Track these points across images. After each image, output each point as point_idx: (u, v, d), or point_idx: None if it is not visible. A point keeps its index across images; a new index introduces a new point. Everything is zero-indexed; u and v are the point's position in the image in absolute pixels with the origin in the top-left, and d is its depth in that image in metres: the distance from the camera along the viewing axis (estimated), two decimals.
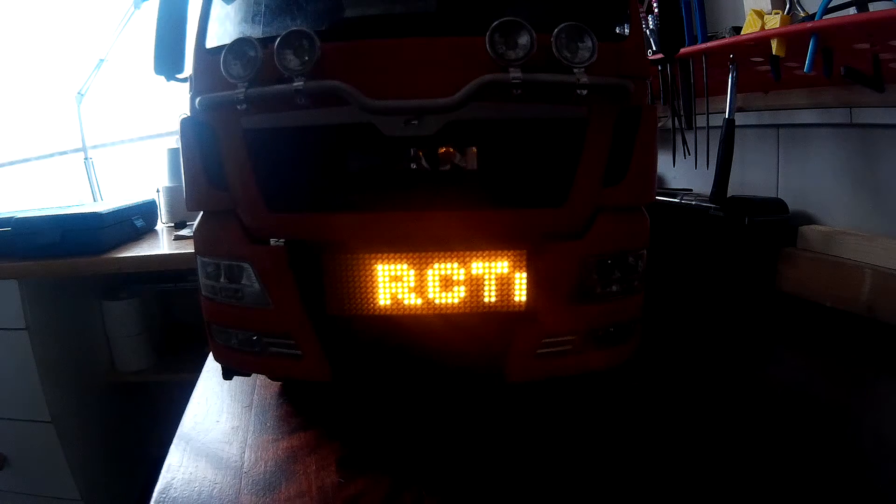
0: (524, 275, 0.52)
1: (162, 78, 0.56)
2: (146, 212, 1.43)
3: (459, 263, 0.52)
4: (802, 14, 0.74)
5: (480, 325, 0.54)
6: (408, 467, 0.51)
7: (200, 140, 0.52)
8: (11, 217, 1.18)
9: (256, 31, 0.53)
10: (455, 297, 0.53)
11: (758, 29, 0.74)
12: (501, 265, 0.52)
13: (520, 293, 0.53)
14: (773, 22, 0.73)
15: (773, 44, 0.71)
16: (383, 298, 0.53)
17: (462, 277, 0.53)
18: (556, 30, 0.45)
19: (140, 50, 1.50)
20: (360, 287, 0.53)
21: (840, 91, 0.79)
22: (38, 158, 1.76)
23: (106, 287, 1.40)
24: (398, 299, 0.53)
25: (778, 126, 0.93)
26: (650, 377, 0.68)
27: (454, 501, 0.47)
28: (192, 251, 0.55)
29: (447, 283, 0.53)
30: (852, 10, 0.66)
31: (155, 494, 0.49)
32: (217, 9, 0.54)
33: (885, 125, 0.75)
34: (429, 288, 0.53)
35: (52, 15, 1.67)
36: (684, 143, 0.95)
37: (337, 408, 0.62)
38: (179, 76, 0.56)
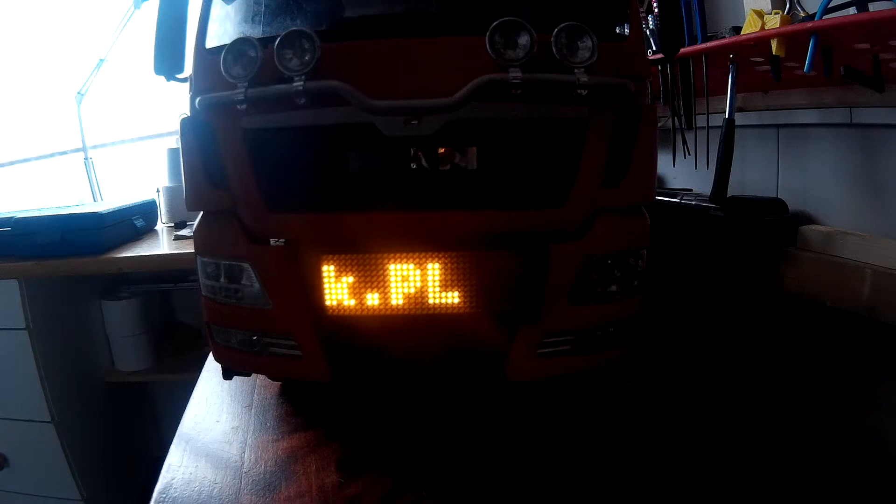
0: (524, 275, 0.52)
1: (162, 78, 0.56)
2: (146, 212, 1.43)
3: (459, 263, 0.52)
4: (802, 14, 0.74)
5: (481, 324, 0.54)
6: (408, 467, 0.51)
7: (200, 140, 0.52)
8: (11, 217, 1.18)
9: (256, 31, 0.53)
10: (455, 297, 0.53)
11: (758, 29, 0.74)
12: (502, 265, 0.52)
13: (520, 293, 0.53)
14: (773, 22, 0.73)
15: (773, 44, 0.71)
16: (383, 298, 0.53)
17: (462, 277, 0.53)
18: (556, 30, 0.45)
19: (140, 50, 1.49)
20: (360, 287, 0.53)
21: (840, 91, 0.78)
22: (38, 158, 1.76)
23: (106, 287, 1.40)
24: (398, 299, 0.53)
25: (778, 126, 0.93)
26: (650, 377, 0.68)
27: (454, 501, 0.47)
28: (192, 251, 0.55)
29: (447, 283, 0.53)
30: (852, 10, 0.66)
31: (155, 494, 0.49)
32: (217, 9, 0.54)
33: (885, 125, 0.75)
34: (429, 288, 0.53)
35: (52, 15, 1.67)
36: (684, 143, 0.95)
37: (337, 408, 0.62)
38: (179, 76, 0.56)
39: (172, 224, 1.47)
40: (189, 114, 0.53)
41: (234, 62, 0.47)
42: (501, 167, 0.51)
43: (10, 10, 1.65)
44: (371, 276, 0.53)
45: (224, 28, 0.53)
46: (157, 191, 1.52)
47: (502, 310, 0.53)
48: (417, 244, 0.52)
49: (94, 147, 1.73)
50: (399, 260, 0.52)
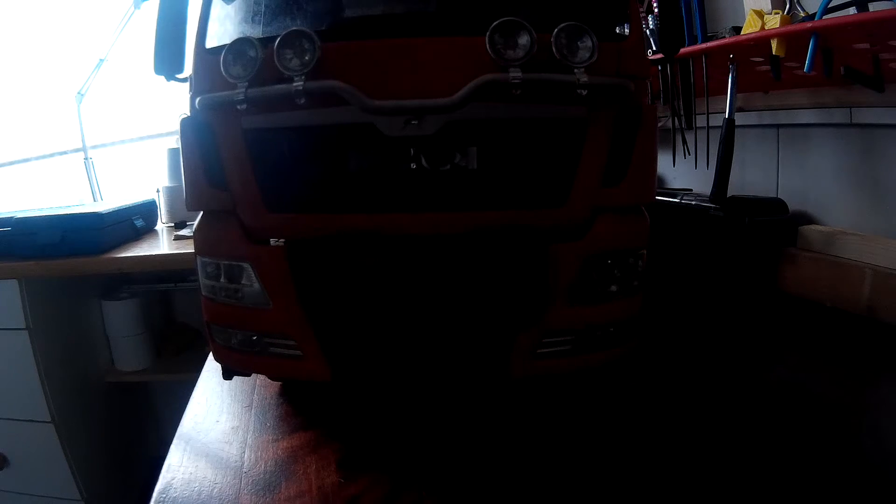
0: (525, 275, 0.52)
1: (162, 78, 0.56)
2: (146, 212, 1.43)
3: (459, 263, 0.52)
4: (802, 14, 0.74)
5: (482, 325, 0.54)
6: (408, 467, 0.51)
7: (200, 140, 0.52)
8: (11, 217, 1.18)
9: (256, 31, 0.53)
10: (455, 297, 0.53)
11: (758, 29, 0.74)
12: (501, 265, 0.52)
13: (520, 293, 0.53)
14: (773, 22, 0.73)
15: (773, 44, 0.71)
16: (383, 298, 0.53)
17: (462, 277, 0.52)
18: (556, 30, 0.45)
19: (140, 50, 1.50)
20: (361, 287, 0.53)
21: (840, 91, 0.79)
22: (38, 158, 1.76)
23: (106, 287, 1.40)
24: (399, 299, 0.53)
25: (778, 126, 0.93)
26: (650, 377, 0.68)
27: (454, 501, 0.47)
28: (192, 251, 0.55)
29: (447, 283, 0.53)
30: (852, 10, 0.66)
31: (155, 494, 0.49)
32: (217, 9, 0.53)
33: (885, 125, 0.75)
34: (429, 288, 0.53)
35: (52, 15, 1.67)
36: (684, 143, 0.95)
37: (337, 408, 0.62)
38: (179, 76, 0.56)
39: (172, 224, 1.47)
40: (189, 114, 0.53)
41: (234, 62, 0.47)
42: (502, 167, 0.50)
43: (10, 10, 1.65)
44: (371, 276, 0.53)
45: (224, 28, 0.53)
46: (157, 191, 1.52)
47: (503, 310, 0.53)
48: (417, 244, 0.52)
49: (94, 147, 1.73)
50: (399, 260, 0.52)
